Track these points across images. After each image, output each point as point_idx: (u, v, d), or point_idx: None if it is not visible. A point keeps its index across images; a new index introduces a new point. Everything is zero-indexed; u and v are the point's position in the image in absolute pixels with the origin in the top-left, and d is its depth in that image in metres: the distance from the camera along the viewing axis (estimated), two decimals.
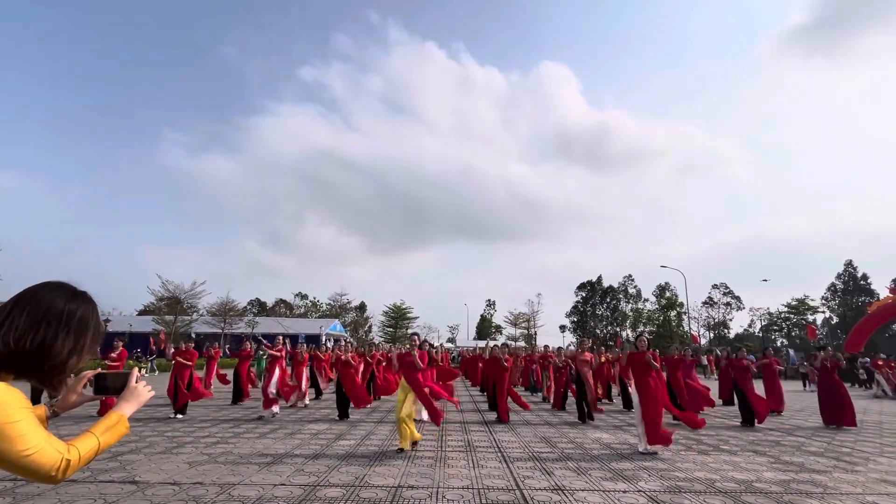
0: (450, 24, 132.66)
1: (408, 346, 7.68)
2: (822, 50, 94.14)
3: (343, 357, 10.40)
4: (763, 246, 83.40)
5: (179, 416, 9.86)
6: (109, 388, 1.35)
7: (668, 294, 65.62)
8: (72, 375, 1.25)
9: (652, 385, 7.00)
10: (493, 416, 10.49)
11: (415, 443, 6.90)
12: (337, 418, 9.73)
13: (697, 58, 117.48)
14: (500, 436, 7.97)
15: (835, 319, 62.89)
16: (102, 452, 1.26)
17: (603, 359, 13.74)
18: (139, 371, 1.42)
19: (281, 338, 11.26)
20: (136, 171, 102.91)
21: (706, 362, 28.45)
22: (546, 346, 15.96)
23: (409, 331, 59.28)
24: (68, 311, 1.17)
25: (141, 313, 56.53)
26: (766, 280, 50.58)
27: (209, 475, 5.24)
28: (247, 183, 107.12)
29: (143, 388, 1.36)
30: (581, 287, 74.61)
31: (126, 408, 1.31)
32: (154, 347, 33.07)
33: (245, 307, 61.63)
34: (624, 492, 4.80)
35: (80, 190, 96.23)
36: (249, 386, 13.22)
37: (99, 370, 1.37)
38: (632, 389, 12.73)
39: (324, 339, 45.59)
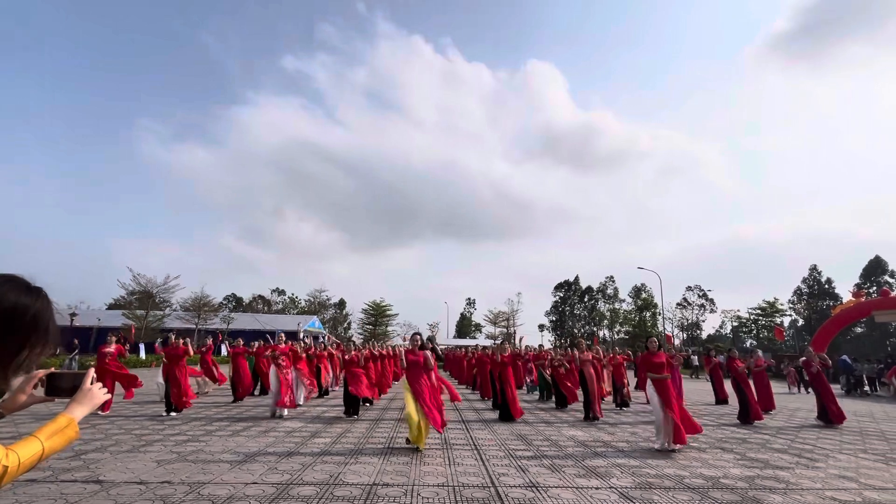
0: (438, 19, 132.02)
1: (409, 345, 7.52)
2: (805, 58, 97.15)
3: (347, 356, 10.29)
4: (736, 249, 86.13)
5: (173, 413, 9.56)
6: (62, 389, 1.27)
7: (643, 295, 67.08)
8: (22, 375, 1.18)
9: (668, 383, 7.25)
10: (471, 414, 10.52)
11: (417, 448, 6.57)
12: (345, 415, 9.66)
13: (684, 61, 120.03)
14: (476, 433, 8.01)
15: (801, 322, 65.36)
16: (51, 456, 1.18)
17: (599, 356, 13.88)
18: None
19: (282, 335, 11.02)
20: (107, 161, 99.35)
21: (696, 363, 28.98)
22: (540, 346, 16.16)
23: (389, 328, 59.00)
24: (21, 307, 1.08)
25: (110, 307, 54.70)
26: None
27: (178, 474, 5.11)
28: (225, 175, 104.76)
29: (98, 391, 1.28)
30: (558, 287, 75.60)
31: (77, 410, 1.23)
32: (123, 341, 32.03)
33: (221, 303, 60.33)
34: (596, 488, 4.88)
35: (46, 179, 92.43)
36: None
37: (52, 369, 1.28)
38: (645, 391, 13.01)
39: (301, 336, 45.00)
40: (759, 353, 14.03)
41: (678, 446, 6.89)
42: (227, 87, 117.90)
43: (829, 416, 9.90)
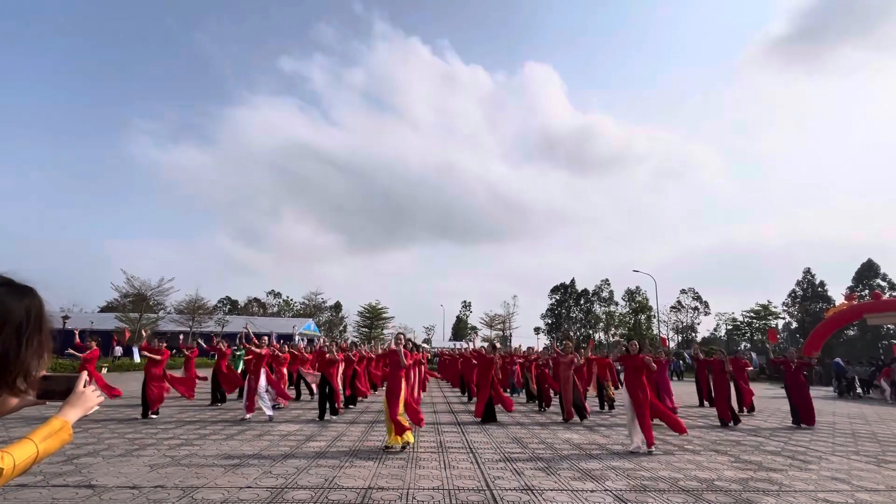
0: (436, 20, 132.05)
1: (390, 345, 7.70)
2: (802, 61, 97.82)
3: (328, 356, 10.24)
4: (730, 252, 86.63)
5: (154, 416, 9.49)
6: (55, 392, 1.27)
7: (638, 298, 67.30)
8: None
9: (646, 387, 7.27)
10: (467, 416, 10.51)
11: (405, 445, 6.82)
12: (317, 419, 9.57)
13: (681, 63, 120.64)
14: (472, 437, 8.00)
15: (794, 324, 65.78)
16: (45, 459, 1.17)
17: (582, 360, 14.00)
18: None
19: (266, 338, 10.96)
20: (101, 161, 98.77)
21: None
22: (530, 348, 16.22)
23: (386, 331, 58.86)
24: (24, 311, 1.09)
25: (103, 310, 54.35)
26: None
27: (171, 478, 5.07)
28: (220, 176, 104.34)
29: (92, 393, 1.28)
30: (554, 290, 75.73)
31: (71, 413, 1.23)
32: (118, 346, 31.89)
33: (215, 305, 60.01)
34: (591, 491, 4.89)
35: (38, 180, 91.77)
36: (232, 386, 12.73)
37: (44, 372, 1.28)
38: (615, 391, 13.09)
39: (297, 339, 44.80)
40: (753, 355, 14.17)
41: (651, 448, 6.91)
42: (223, 88, 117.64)
43: (800, 417, 9.95)
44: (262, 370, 9.88)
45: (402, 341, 7.63)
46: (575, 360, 10.63)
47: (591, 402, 13.38)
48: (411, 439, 6.88)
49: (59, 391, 1.27)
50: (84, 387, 1.28)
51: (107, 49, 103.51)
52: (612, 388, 13.47)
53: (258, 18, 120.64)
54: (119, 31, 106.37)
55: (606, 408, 12.47)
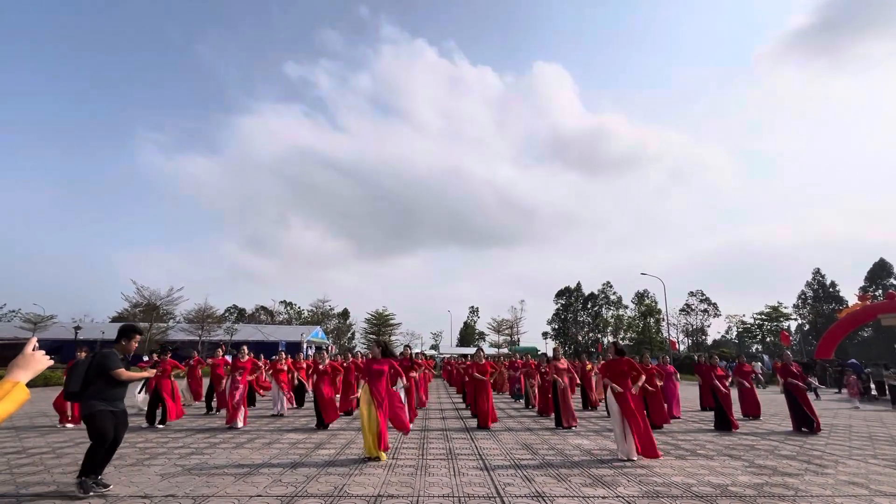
0: (442, 22, 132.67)
1: (370, 354, 7.42)
2: (820, 54, 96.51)
3: (321, 366, 10.25)
4: (739, 253, 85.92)
5: (160, 426, 9.56)
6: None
7: (646, 301, 66.78)
8: None
9: (627, 394, 6.95)
10: (474, 422, 10.47)
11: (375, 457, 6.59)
12: (315, 427, 9.58)
13: (695, 61, 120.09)
14: (481, 443, 7.96)
15: (807, 326, 64.86)
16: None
17: (589, 367, 13.98)
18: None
19: (245, 348, 10.94)
20: (108, 172, 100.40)
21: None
22: (526, 354, 16.13)
23: (392, 338, 58.81)
24: None
25: (114, 320, 54.86)
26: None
27: (182, 487, 5.09)
28: (227, 184, 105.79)
29: (42, 356, 1.29)
30: (560, 294, 75.37)
31: (21, 375, 1.24)
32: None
33: (223, 314, 60.40)
34: (603, 497, 4.84)
35: (47, 191, 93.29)
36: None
37: None
38: (605, 396, 13.04)
39: (304, 347, 44.93)
40: (765, 357, 13.98)
41: (642, 459, 6.60)
42: (229, 96, 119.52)
43: (803, 421, 9.69)
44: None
45: (378, 350, 7.21)
46: (560, 367, 10.66)
47: (602, 408, 13.30)
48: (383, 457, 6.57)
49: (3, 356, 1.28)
50: (32, 350, 1.29)
51: (114, 62, 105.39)
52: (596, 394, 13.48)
53: (262, 25, 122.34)
54: (125, 43, 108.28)
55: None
